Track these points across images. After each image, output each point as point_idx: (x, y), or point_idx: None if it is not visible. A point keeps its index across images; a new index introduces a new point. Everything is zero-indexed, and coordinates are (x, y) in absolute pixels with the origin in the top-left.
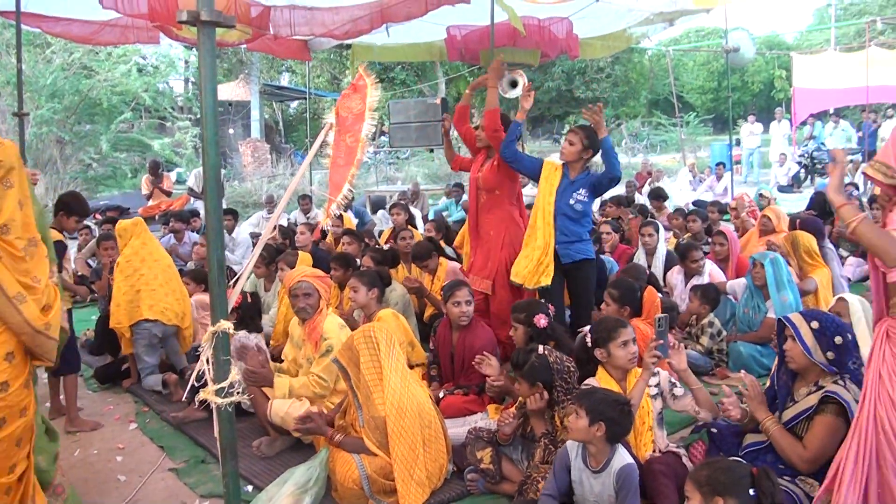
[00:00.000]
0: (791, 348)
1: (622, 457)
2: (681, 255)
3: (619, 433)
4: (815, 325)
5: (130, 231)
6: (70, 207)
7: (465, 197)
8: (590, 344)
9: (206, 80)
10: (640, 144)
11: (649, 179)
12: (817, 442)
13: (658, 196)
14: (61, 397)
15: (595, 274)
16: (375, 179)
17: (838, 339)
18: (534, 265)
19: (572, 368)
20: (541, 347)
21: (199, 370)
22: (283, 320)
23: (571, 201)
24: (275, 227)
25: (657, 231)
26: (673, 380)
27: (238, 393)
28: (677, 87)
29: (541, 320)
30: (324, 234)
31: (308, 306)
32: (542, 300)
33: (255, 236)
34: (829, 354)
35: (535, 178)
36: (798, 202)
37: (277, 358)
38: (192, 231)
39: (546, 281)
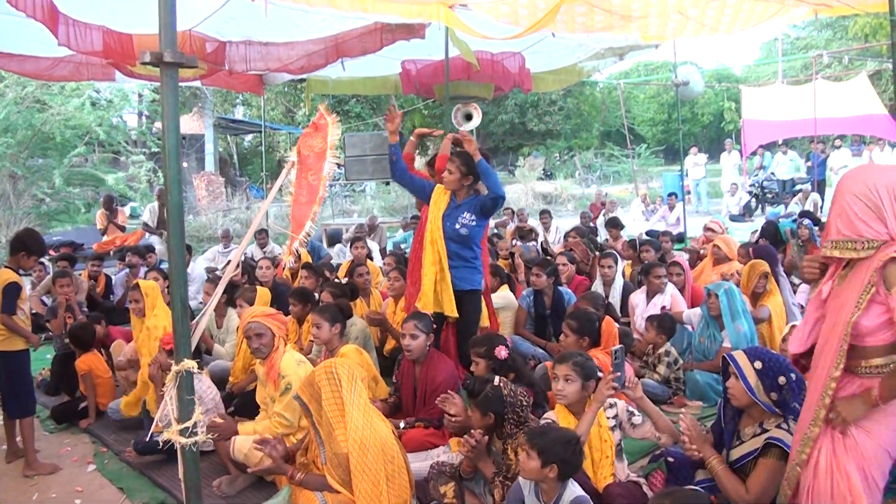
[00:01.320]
0: (733, 386)
1: (572, 491)
2: (644, 272)
3: (571, 471)
4: (758, 364)
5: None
6: (29, 247)
7: None
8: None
9: (168, 119)
10: (593, 175)
11: (603, 210)
12: (759, 485)
13: (615, 225)
14: (18, 440)
15: (480, 306)
16: (331, 212)
17: (782, 380)
18: (431, 291)
19: (525, 402)
20: (497, 378)
21: (163, 411)
22: (242, 356)
23: (457, 225)
24: (238, 265)
25: (616, 262)
26: (630, 408)
27: (202, 432)
28: (629, 119)
29: (501, 352)
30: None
31: (262, 346)
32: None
33: (210, 271)
34: (773, 395)
35: (426, 200)
36: (749, 231)
37: (235, 396)
38: (147, 266)
39: (451, 310)
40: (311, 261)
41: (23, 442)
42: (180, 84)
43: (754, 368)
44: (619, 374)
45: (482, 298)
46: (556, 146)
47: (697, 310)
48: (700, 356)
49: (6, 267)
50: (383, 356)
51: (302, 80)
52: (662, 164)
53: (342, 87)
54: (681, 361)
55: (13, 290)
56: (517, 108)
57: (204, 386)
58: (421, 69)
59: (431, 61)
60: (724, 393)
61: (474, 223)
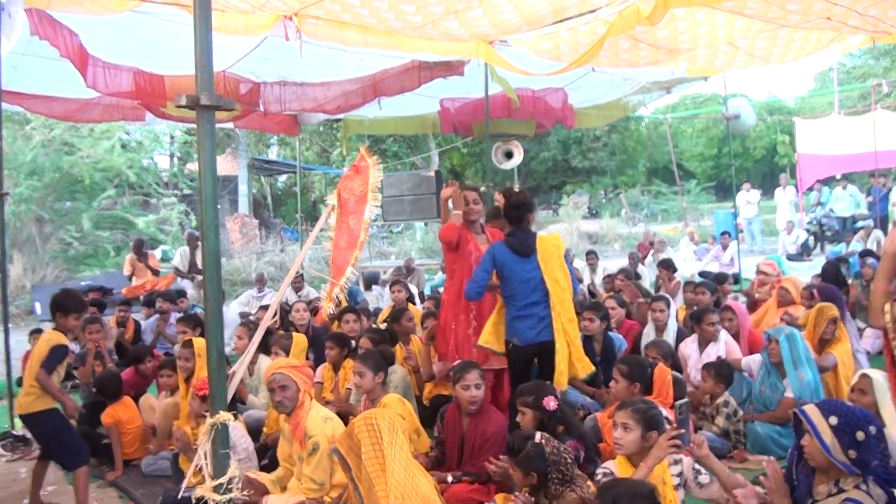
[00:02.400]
0: (808, 444)
1: None
2: (695, 319)
3: None
4: (833, 420)
5: None
6: (65, 307)
7: None
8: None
9: (206, 163)
10: (640, 214)
11: (652, 250)
12: None
13: (668, 266)
14: (42, 492)
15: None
16: (368, 255)
17: (860, 435)
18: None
19: (570, 459)
20: (538, 435)
21: (197, 464)
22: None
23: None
24: (275, 313)
25: (668, 306)
26: (697, 466)
27: (237, 489)
28: (676, 154)
29: (550, 403)
30: (314, 310)
31: (285, 399)
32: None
33: (244, 316)
34: (851, 453)
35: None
36: (808, 271)
37: (270, 447)
38: (179, 312)
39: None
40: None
41: (76, 493)
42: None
43: (829, 424)
44: (683, 430)
45: None
46: (601, 183)
47: (757, 356)
48: (761, 406)
49: (56, 330)
50: (422, 405)
51: (338, 120)
52: (713, 201)
53: (379, 127)
54: (740, 412)
55: (59, 352)
56: (560, 145)
57: (237, 434)
58: (460, 107)
59: (470, 99)
60: (796, 449)
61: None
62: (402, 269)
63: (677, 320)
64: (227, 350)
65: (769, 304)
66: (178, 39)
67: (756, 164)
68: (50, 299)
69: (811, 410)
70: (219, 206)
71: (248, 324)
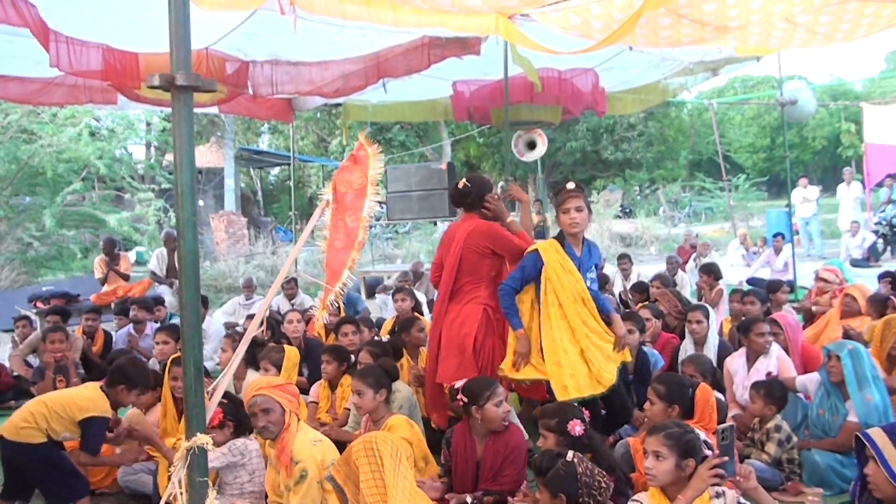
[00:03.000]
0: (874, 474)
1: None
2: (743, 330)
3: None
4: None
5: None
6: (132, 380)
7: None
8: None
9: (182, 151)
10: (680, 213)
11: (694, 254)
12: None
13: (711, 272)
14: None
15: None
16: (371, 258)
17: None
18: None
19: (604, 484)
20: (570, 453)
21: (171, 494)
22: None
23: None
24: (262, 322)
25: (706, 317)
26: (742, 501)
27: None
28: (723, 145)
29: (575, 428)
30: (307, 320)
31: (269, 424)
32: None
33: (229, 327)
34: None
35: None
36: (876, 279)
37: None
38: (156, 322)
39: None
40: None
41: None
42: (195, 110)
43: None
44: (726, 458)
45: None
46: (637, 178)
47: (815, 375)
48: (819, 432)
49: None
50: (429, 428)
51: (337, 106)
52: (765, 199)
53: (384, 113)
54: (795, 439)
55: (98, 427)
56: (589, 134)
57: (251, 449)
58: (475, 91)
59: (488, 81)
60: (860, 479)
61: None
62: (409, 274)
63: (720, 333)
64: (211, 365)
65: (830, 315)
66: (155, 12)
67: (815, 157)
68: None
69: (877, 434)
70: (202, 203)
71: (234, 335)
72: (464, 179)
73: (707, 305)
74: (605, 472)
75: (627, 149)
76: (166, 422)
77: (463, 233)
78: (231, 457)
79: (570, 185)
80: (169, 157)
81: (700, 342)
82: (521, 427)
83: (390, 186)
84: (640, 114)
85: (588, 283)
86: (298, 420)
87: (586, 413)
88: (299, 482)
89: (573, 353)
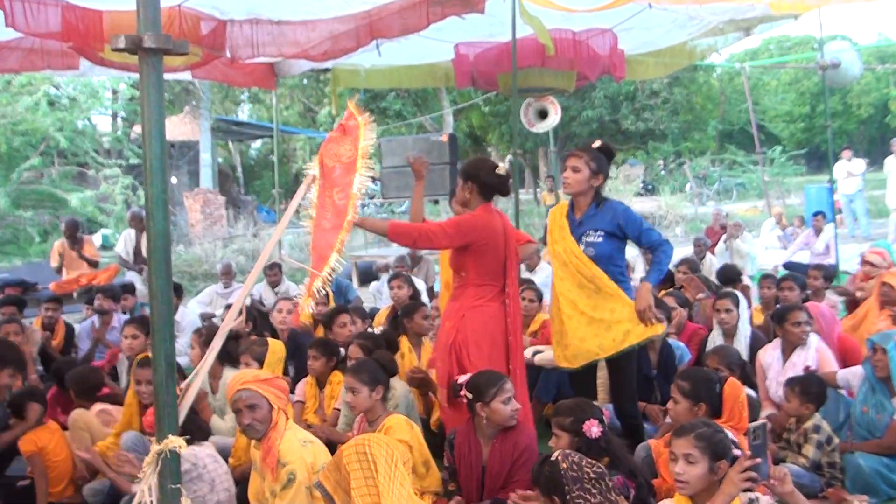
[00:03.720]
0: None
1: None
2: (777, 318)
3: None
4: None
5: None
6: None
7: None
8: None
9: (151, 122)
10: (709, 190)
11: (724, 236)
12: None
13: (727, 279)
14: None
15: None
16: (364, 241)
17: None
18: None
19: (595, 474)
20: (556, 453)
21: (139, 502)
22: None
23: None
24: (240, 311)
25: (736, 305)
26: None
27: None
28: (757, 113)
29: (592, 428)
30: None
31: (255, 421)
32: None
33: (206, 318)
34: None
35: None
36: None
37: (239, 482)
38: (124, 312)
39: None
40: (335, 304)
41: None
42: (167, 77)
43: None
44: (759, 459)
45: None
46: (660, 151)
47: (858, 369)
48: (864, 433)
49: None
50: (429, 430)
51: (325, 71)
52: (804, 174)
53: (377, 79)
54: (836, 440)
55: None
56: (608, 102)
57: (212, 462)
58: (480, 54)
59: (494, 44)
60: None
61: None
62: (407, 259)
63: (751, 324)
64: (184, 361)
65: (869, 305)
66: None
67: (861, 126)
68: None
69: None
70: (175, 180)
71: (202, 330)
72: (501, 164)
73: (737, 292)
74: (596, 463)
75: (650, 118)
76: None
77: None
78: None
79: (596, 144)
80: (137, 129)
81: (730, 333)
82: (529, 426)
83: (385, 160)
84: (663, 79)
85: (584, 247)
86: (287, 418)
87: (605, 414)
88: (286, 487)
89: (556, 322)
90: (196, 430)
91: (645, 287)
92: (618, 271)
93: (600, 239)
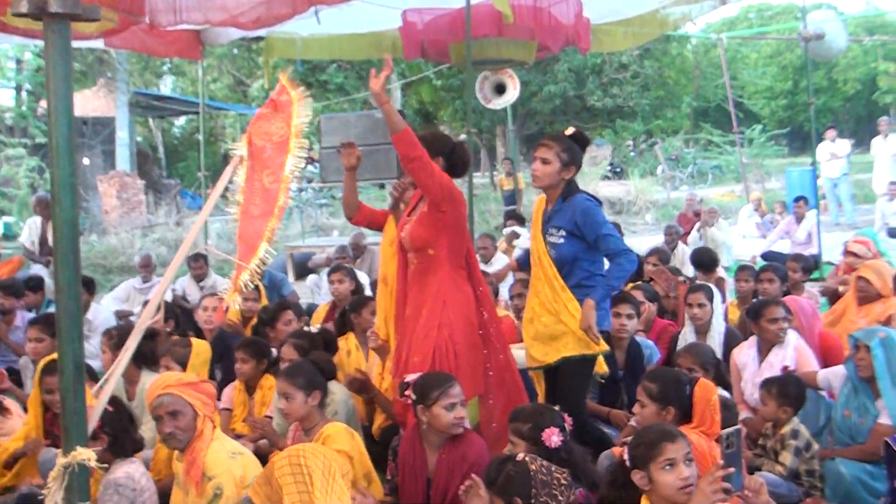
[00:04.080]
0: None
1: None
2: (753, 314)
3: None
4: None
5: None
6: None
7: None
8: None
9: (58, 95)
10: (682, 173)
11: (698, 223)
12: None
13: (702, 264)
14: None
15: (587, 366)
16: (301, 230)
17: None
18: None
19: (564, 482)
20: (521, 454)
21: None
22: None
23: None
24: (159, 308)
25: (710, 299)
26: None
27: None
28: (735, 89)
29: (552, 437)
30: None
31: (177, 430)
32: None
33: (122, 316)
34: None
35: None
36: None
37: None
38: (29, 310)
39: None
40: (267, 300)
41: None
42: (78, 45)
43: None
44: (732, 469)
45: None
46: (630, 130)
47: (839, 369)
48: (845, 437)
49: None
50: (372, 439)
51: (258, 40)
52: (785, 156)
53: (316, 49)
54: (815, 446)
55: None
56: (572, 76)
57: (140, 477)
58: (430, 22)
59: (446, 11)
60: (891, 494)
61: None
62: (348, 249)
63: (727, 320)
64: (97, 364)
65: (847, 300)
66: None
67: (847, 104)
68: None
69: None
70: (87, 161)
71: (112, 332)
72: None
73: (710, 285)
74: (563, 469)
75: (618, 94)
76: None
77: None
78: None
79: (568, 132)
80: (45, 104)
81: (703, 330)
82: (479, 437)
83: (324, 140)
84: (633, 51)
85: (548, 247)
86: (214, 427)
87: (568, 421)
88: (212, 502)
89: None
90: (126, 442)
91: (588, 305)
92: (584, 275)
93: (561, 240)
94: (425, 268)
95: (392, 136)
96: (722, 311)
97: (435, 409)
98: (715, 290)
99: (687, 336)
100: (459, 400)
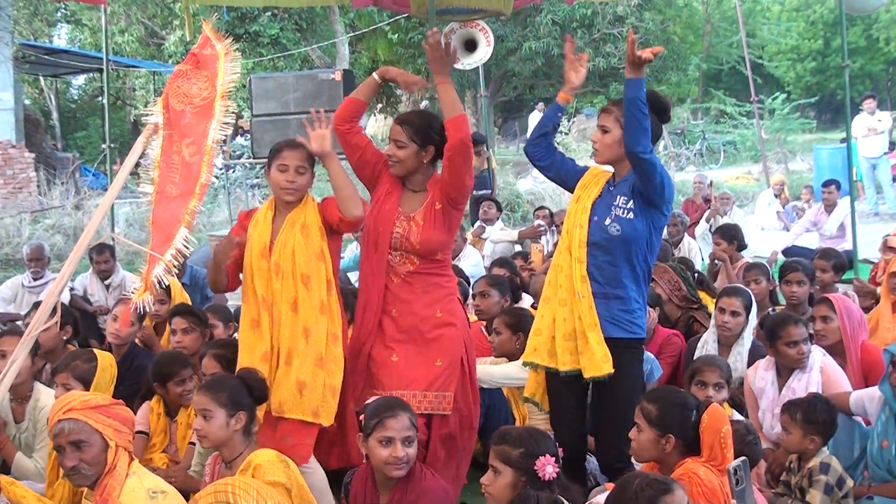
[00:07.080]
0: None
1: None
2: (769, 334)
3: None
4: None
5: None
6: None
7: None
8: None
9: None
10: (689, 150)
11: (707, 211)
12: None
13: (729, 236)
14: None
15: (640, 371)
16: (228, 215)
17: None
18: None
19: None
20: (534, 494)
21: None
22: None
23: (607, 221)
24: (53, 310)
25: (747, 307)
26: None
27: None
28: (754, 49)
29: (545, 468)
30: (141, 317)
31: (83, 464)
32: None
33: (7, 320)
34: None
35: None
36: None
37: None
38: None
39: (602, 369)
40: (188, 299)
41: None
42: None
43: None
44: None
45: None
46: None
47: (875, 391)
48: (883, 472)
49: None
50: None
51: None
52: (813, 130)
53: None
54: (849, 483)
55: None
56: (556, 31)
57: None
58: None
59: None
60: None
61: (633, 216)
62: None
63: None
64: None
65: (882, 304)
66: None
67: (889, 68)
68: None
69: None
70: None
71: (13, 332)
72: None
73: (749, 291)
74: None
75: (612, 53)
76: None
77: None
78: None
79: None
80: None
81: (727, 343)
82: (439, 478)
83: (257, 106)
84: (629, 1)
85: (610, 228)
86: (130, 460)
87: (560, 451)
88: None
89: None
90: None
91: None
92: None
93: (630, 214)
94: (431, 273)
95: (449, 119)
96: (756, 324)
97: (370, 441)
98: (751, 293)
99: (707, 346)
100: (401, 436)
